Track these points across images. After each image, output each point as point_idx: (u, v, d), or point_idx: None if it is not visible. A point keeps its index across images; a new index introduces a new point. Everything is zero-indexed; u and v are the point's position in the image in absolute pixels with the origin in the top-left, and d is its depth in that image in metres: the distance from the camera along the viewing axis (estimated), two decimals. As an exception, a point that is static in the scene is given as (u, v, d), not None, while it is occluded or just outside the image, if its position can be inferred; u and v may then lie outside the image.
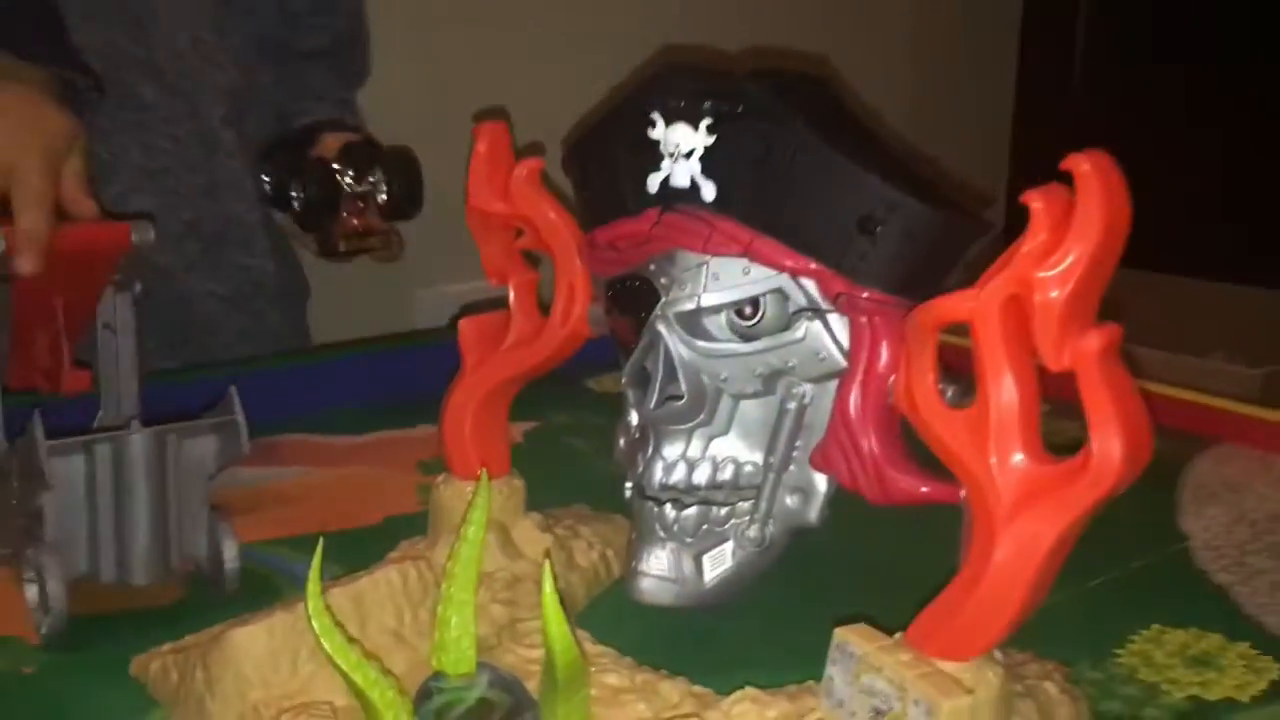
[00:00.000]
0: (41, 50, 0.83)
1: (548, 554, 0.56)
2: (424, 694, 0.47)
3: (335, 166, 0.97)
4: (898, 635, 0.45)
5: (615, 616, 0.57)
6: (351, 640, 0.43)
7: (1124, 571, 0.63)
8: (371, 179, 0.97)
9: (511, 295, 0.61)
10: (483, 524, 0.48)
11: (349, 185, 0.96)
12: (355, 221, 1.00)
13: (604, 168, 0.52)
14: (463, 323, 0.61)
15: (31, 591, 0.59)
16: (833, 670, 0.45)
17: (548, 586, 0.41)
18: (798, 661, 0.48)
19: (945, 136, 1.69)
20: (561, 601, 0.43)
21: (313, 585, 0.43)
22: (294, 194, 0.94)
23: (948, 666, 0.44)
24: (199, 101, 1.02)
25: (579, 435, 0.88)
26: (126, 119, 0.99)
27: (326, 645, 0.43)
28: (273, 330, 1.14)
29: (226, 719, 0.49)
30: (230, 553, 0.62)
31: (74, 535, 0.60)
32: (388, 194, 0.95)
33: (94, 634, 0.59)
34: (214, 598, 0.61)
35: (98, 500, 0.60)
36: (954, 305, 0.43)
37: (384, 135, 1.18)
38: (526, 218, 0.59)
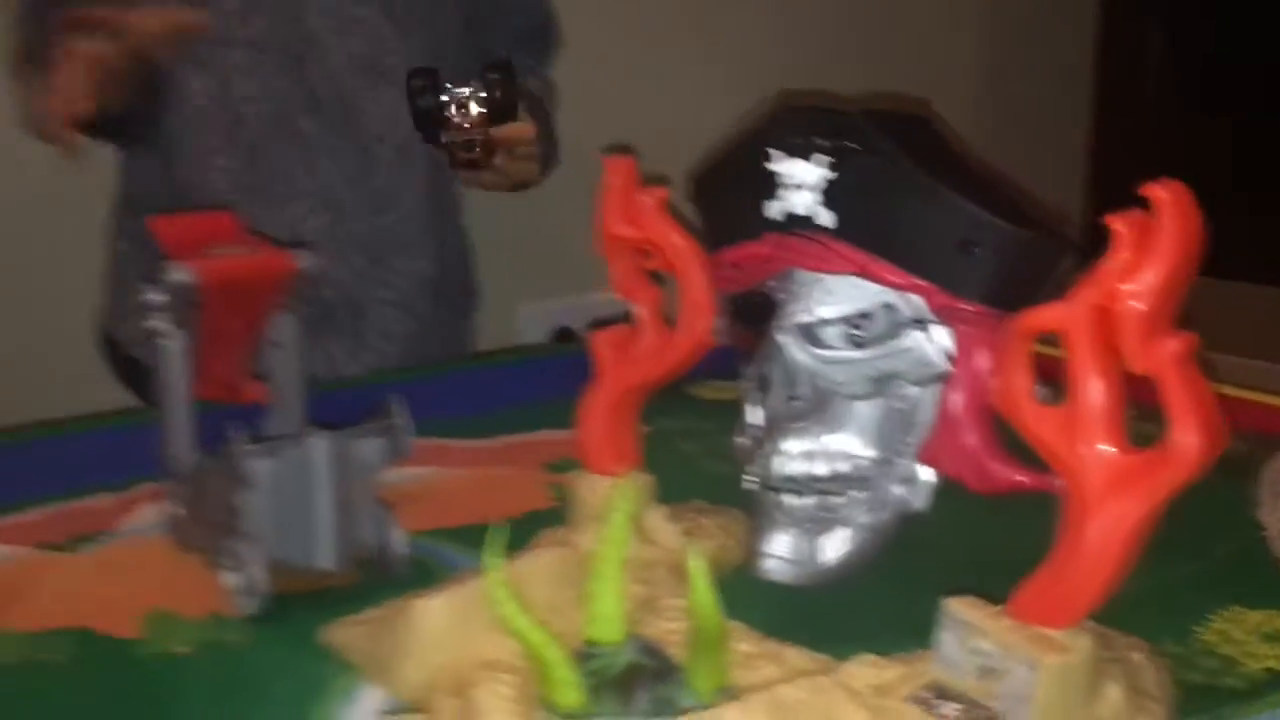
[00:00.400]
0: None
1: (689, 534, 0.63)
2: (581, 658, 0.54)
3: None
4: (1000, 607, 0.51)
5: (741, 596, 0.64)
6: (525, 611, 0.50)
7: (1205, 560, 0.68)
8: (472, 86, 1.03)
9: (640, 310, 0.68)
10: (627, 513, 0.55)
11: (448, 89, 1.01)
12: (461, 124, 1.08)
13: (728, 197, 0.59)
14: (596, 335, 0.68)
15: (232, 578, 0.67)
16: (944, 636, 0.51)
17: (694, 561, 0.48)
18: (908, 634, 0.54)
19: (1022, 158, 1.75)
20: None
21: (493, 563, 0.50)
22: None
23: (1047, 632, 0.50)
24: (357, 123, 1.11)
25: (688, 439, 0.94)
26: (291, 149, 1.07)
27: (506, 612, 0.50)
28: (442, 330, 1.22)
29: (415, 679, 0.56)
30: (398, 540, 0.70)
31: (268, 527, 0.67)
32: (485, 96, 1.00)
33: (286, 610, 0.67)
34: (381, 579, 0.69)
35: (287, 496, 0.67)
36: (1048, 315, 0.49)
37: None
38: (653, 241, 0.66)
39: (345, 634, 0.60)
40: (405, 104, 1.11)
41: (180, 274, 0.71)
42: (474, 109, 1.03)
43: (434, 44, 1.15)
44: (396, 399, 0.69)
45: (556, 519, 0.73)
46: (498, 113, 1.04)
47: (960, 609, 0.50)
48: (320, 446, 0.68)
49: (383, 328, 1.11)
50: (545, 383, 1.01)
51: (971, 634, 0.49)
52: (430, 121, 1.02)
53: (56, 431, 0.95)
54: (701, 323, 0.66)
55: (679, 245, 0.66)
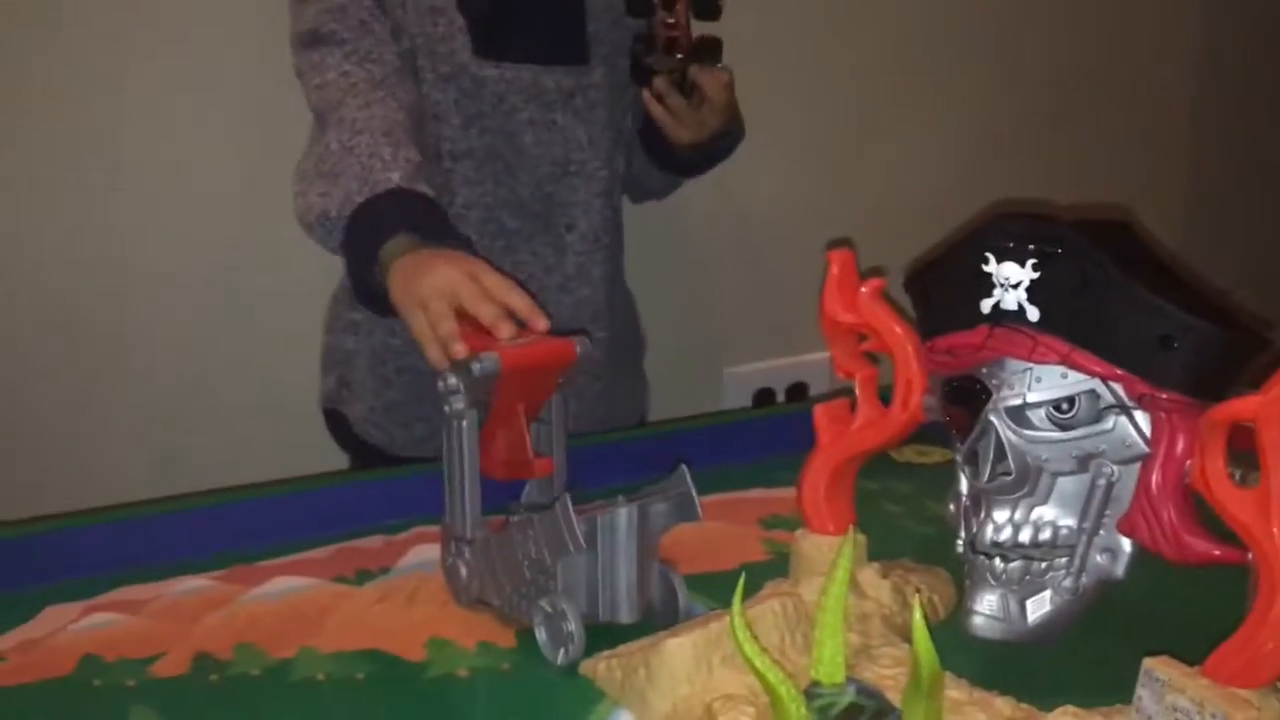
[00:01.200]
0: (444, 235, 1.03)
1: (917, 590, 0.74)
2: (808, 696, 0.62)
3: None
4: (1195, 667, 0.57)
5: (952, 648, 0.69)
6: (765, 650, 0.58)
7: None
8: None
9: (858, 387, 0.76)
10: (848, 568, 0.63)
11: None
12: (668, 23, 1.15)
13: (944, 291, 0.67)
14: (817, 408, 0.77)
15: (542, 632, 0.76)
16: (1142, 692, 0.57)
17: (917, 612, 0.56)
18: (1107, 690, 0.60)
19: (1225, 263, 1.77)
20: (903, 634, 0.58)
21: (736, 606, 0.58)
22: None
23: (1238, 692, 0.56)
24: (551, 216, 1.24)
25: (889, 500, 1.01)
26: (497, 243, 1.21)
27: (747, 650, 0.58)
28: (625, 387, 1.33)
29: (662, 707, 0.65)
30: (683, 595, 0.78)
31: (580, 585, 0.76)
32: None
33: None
34: (622, 622, 0.77)
35: (597, 558, 0.76)
36: (1242, 407, 0.55)
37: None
38: (871, 325, 0.75)
39: (601, 667, 0.69)
40: (592, 193, 1.25)
41: (489, 361, 0.80)
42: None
43: (614, 135, 1.28)
44: (685, 466, 0.78)
45: (773, 570, 0.83)
46: (703, 6, 1.12)
47: (1158, 667, 0.57)
48: (624, 514, 0.75)
49: (576, 389, 1.21)
50: (752, 444, 1.14)
51: (1168, 690, 0.56)
52: (642, 9, 1.10)
53: (333, 483, 1.11)
54: (913, 400, 0.74)
55: (894, 331, 0.74)
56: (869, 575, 0.75)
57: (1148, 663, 0.56)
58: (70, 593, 0.85)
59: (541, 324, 0.85)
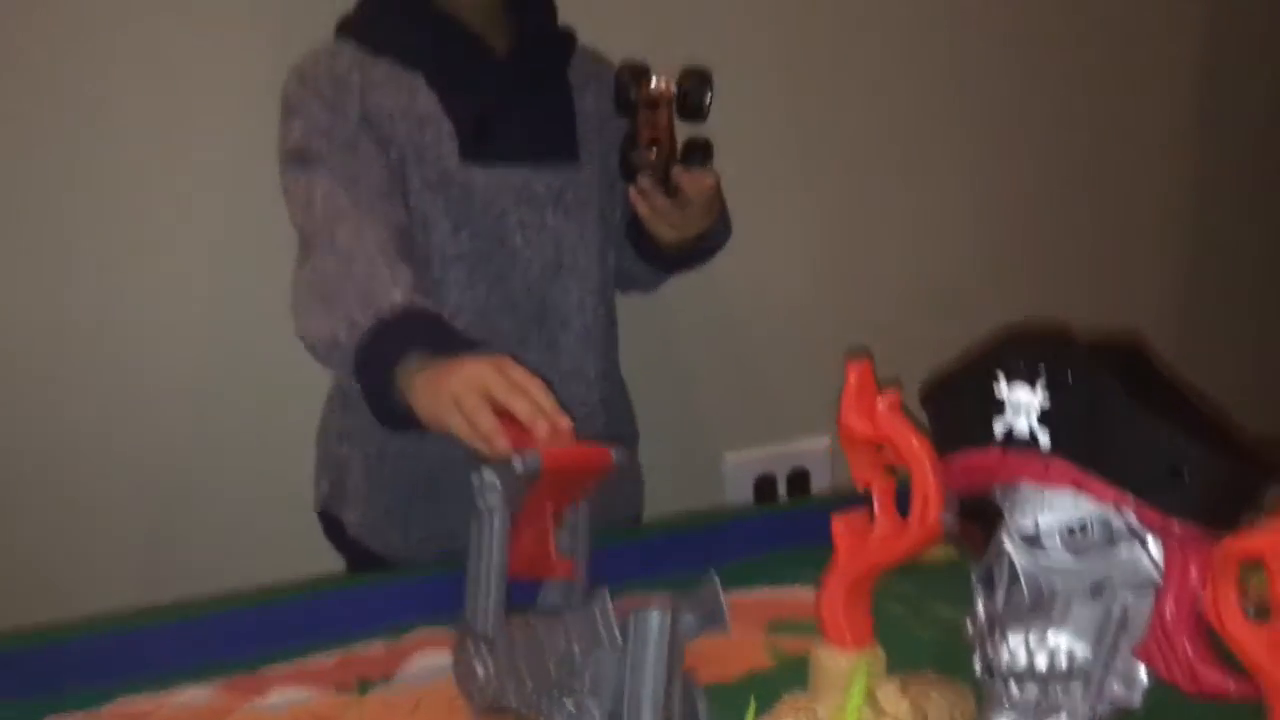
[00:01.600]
0: (457, 346, 1.04)
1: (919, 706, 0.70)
2: None
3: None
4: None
5: None
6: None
7: None
8: (664, 84, 1.05)
9: (875, 499, 0.76)
10: (864, 687, 0.63)
11: (642, 87, 1.03)
12: (647, 130, 1.12)
13: (957, 411, 0.68)
14: (835, 519, 0.77)
15: None
16: None
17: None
18: None
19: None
20: None
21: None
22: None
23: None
24: (544, 316, 1.25)
25: (896, 601, 1.01)
26: (492, 346, 1.20)
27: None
28: (619, 484, 1.28)
29: None
30: (703, 707, 0.77)
31: (607, 686, 0.76)
32: (678, 92, 1.02)
33: None
34: None
35: (626, 659, 0.75)
36: (1253, 542, 0.56)
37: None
38: (889, 438, 0.75)
39: None
40: (585, 291, 1.26)
41: (531, 460, 0.81)
42: (663, 93, 1.07)
43: (605, 231, 1.30)
44: (714, 575, 0.78)
45: (780, 679, 0.83)
46: (686, 108, 1.09)
47: None
48: (658, 616, 0.75)
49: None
50: (755, 541, 1.13)
51: None
52: (627, 108, 1.07)
53: (333, 587, 1.11)
54: (930, 515, 0.74)
55: (911, 444, 0.75)
56: (888, 691, 0.75)
57: None
58: (70, 703, 0.86)
59: (566, 424, 0.87)
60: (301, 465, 1.37)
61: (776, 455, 1.94)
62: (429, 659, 0.93)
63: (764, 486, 1.95)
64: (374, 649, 0.95)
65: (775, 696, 0.72)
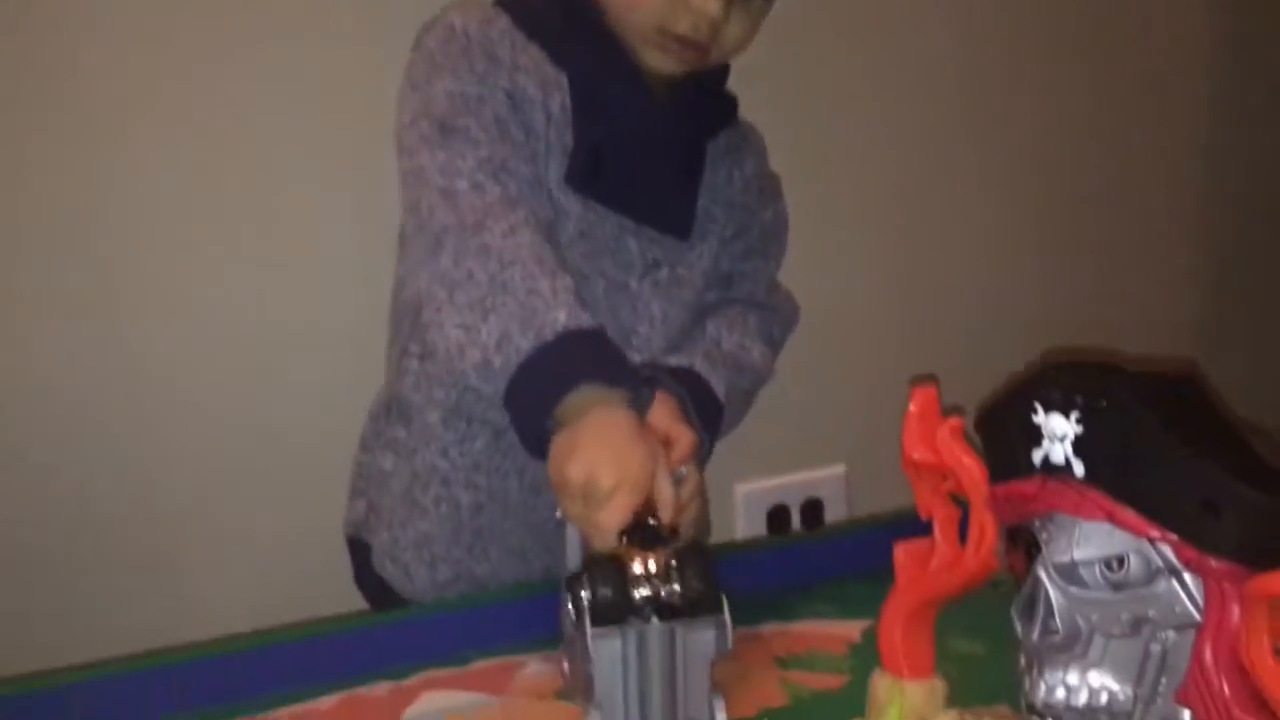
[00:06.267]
0: (624, 376, 1.04)
1: None
2: None
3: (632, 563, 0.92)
4: None
5: None
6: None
7: None
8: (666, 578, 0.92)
9: (936, 528, 0.79)
10: (900, 713, 0.64)
11: (636, 572, 0.89)
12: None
13: (1000, 439, 0.74)
14: (897, 547, 0.81)
15: None
16: None
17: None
18: None
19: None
20: None
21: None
22: (581, 592, 0.88)
23: None
24: None
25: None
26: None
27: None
28: None
29: None
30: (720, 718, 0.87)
31: (613, 697, 0.84)
32: (682, 591, 0.86)
33: None
34: None
35: (628, 672, 0.84)
36: (1277, 581, 0.55)
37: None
38: (948, 467, 0.76)
39: None
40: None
41: None
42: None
43: (689, 320, 1.30)
44: (724, 593, 0.85)
45: (793, 717, 0.90)
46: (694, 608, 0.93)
47: None
48: (655, 633, 0.84)
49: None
50: (766, 574, 1.16)
51: None
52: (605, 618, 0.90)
53: (338, 628, 1.13)
54: (986, 546, 0.76)
55: (970, 474, 0.77)
56: None
57: None
58: None
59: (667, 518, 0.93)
60: (328, 495, 1.44)
61: (789, 485, 2.00)
62: (435, 701, 0.99)
63: (777, 517, 2.01)
64: (378, 690, 1.02)
65: None
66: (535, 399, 1.01)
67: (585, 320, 1.02)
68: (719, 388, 1.24)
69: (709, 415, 1.22)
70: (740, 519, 1.96)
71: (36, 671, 1.07)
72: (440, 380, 1.24)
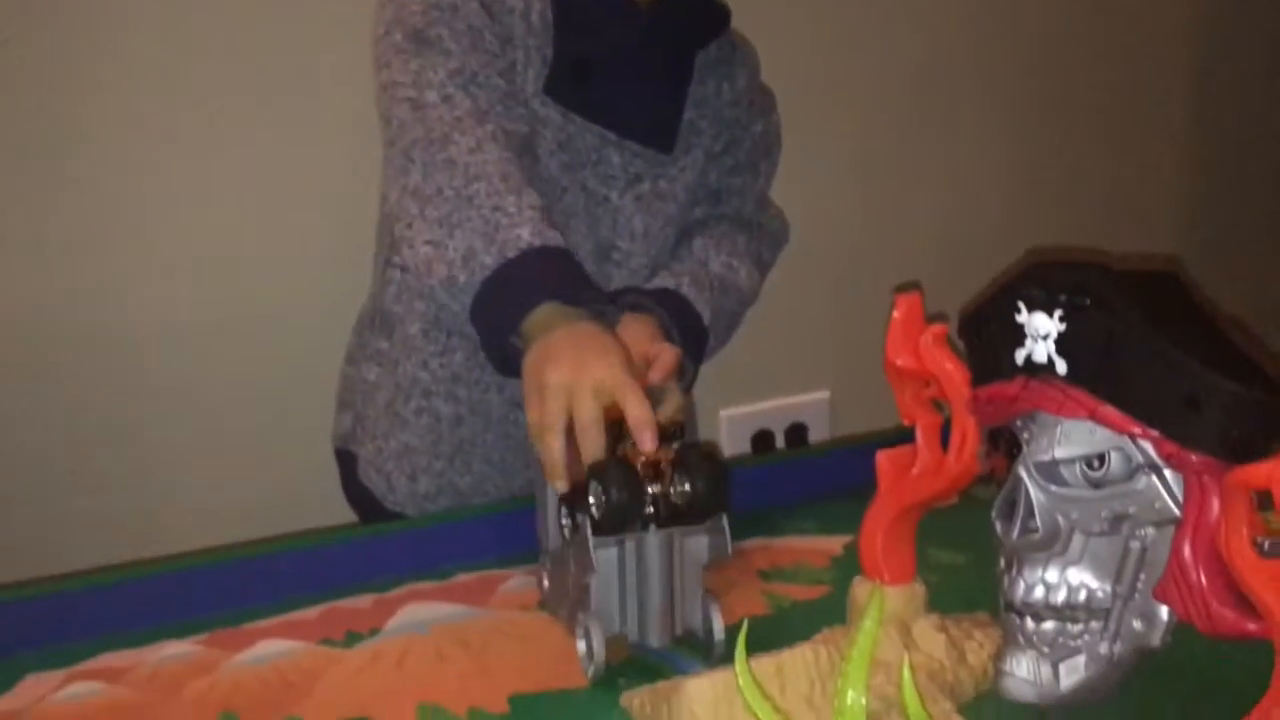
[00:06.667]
0: (588, 293, 1.04)
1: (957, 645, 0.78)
2: None
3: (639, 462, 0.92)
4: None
5: (996, 706, 0.76)
6: (767, 698, 0.61)
7: None
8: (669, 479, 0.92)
9: (918, 434, 0.78)
10: (877, 620, 0.65)
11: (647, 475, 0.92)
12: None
13: (984, 341, 0.73)
14: (880, 454, 0.81)
15: (582, 645, 0.88)
16: None
17: (906, 669, 0.58)
18: None
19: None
20: (952, 691, 0.60)
21: (740, 651, 0.62)
22: (589, 502, 0.88)
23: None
24: None
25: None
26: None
27: (747, 697, 0.62)
28: None
29: None
30: (718, 626, 0.88)
31: (609, 605, 0.87)
32: (691, 492, 0.88)
33: (608, 674, 0.86)
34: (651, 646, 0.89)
35: (625, 580, 0.87)
36: (1257, 472, 0.57)
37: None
38: (932, 373, 0.77)
39: (636, 701, 0.81)
40: (624, 280, 1.24)
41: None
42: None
43: (672, 234, 1.30)
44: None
45: (774, 624, 0.91)
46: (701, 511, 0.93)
47: None
48: (654, 540, 0.87)
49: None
50: (751, 492, 1.16)
51: None
52: (617, 523, 0.88)
53: (321, 541, 1.14)
54: (968, 450, 0.76)
55: (952, 379, 0.77)
56: (924, 628, 0.81)
57: None
58: (52, 660, 0.94)
59: (648, 445, 0.89)
60: (312, 407, 1.46)
61: (774, 410, 2.03)
62: (418, 612, 1.01)
63: (762, 442, 2.05)
64: (361, 602, 1.04)
65: (773, 642, 0.78)
66: (499, 315, 1.01)
67: (551, 237, 1.02)
68: (704, 310, 1.23)
69: (692, 338, 1.22)
70: (725, 444, 1.98)
71: (28, 579, 1.08)
72: (420, 292, 1.25)
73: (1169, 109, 2.29)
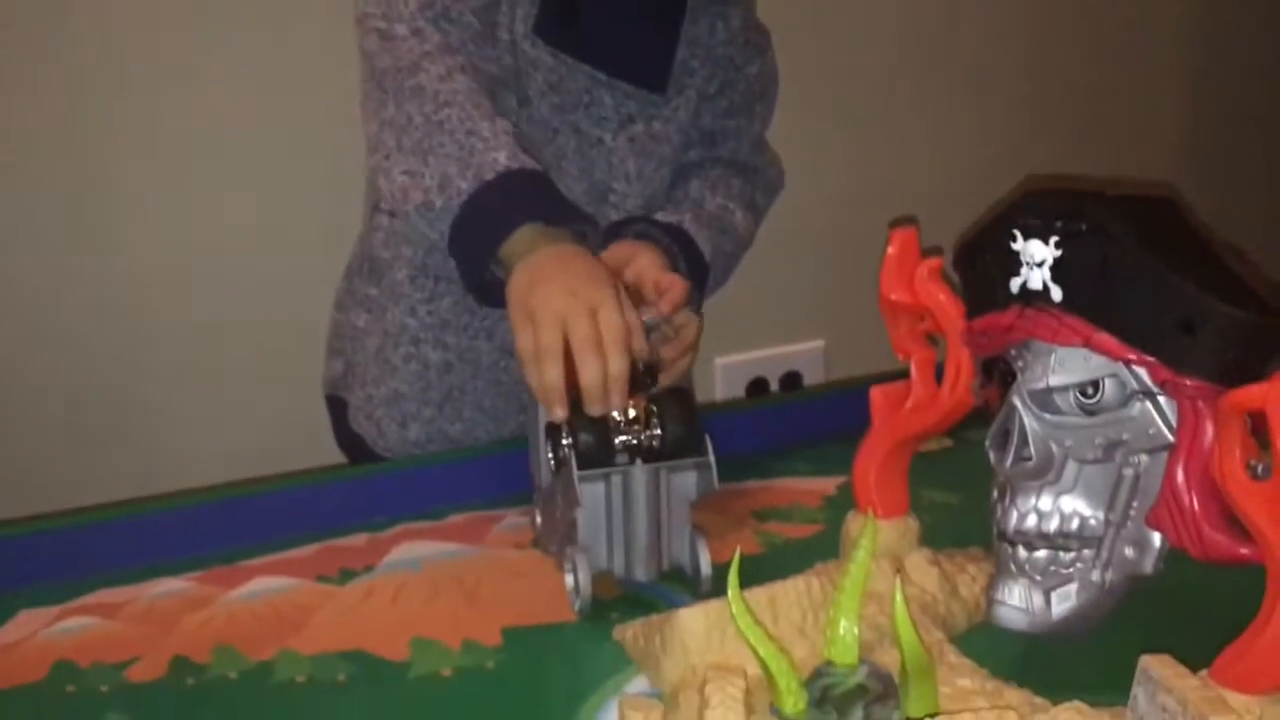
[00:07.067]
0: (567, 214, 1.04)
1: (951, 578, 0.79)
2: (816, 675, 0.70)
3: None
4: (1203, 671, 0.56)
5: (982, 639, 0.77)
6: (759, 625, 0.61)
7: None
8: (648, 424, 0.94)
9: (913, 369, 0.78)
10: (870, 550, 0.66)
11: (616, 419, 0.92)
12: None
13: (979, 271, 0.73)
14: (873, 390, 0.81)
15: (569, 580, 0.88)
16: (1137, 690, 0.60)
17: (898, 597, 0.58)
18: (1128, 688, 0.65)
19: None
20: (944, 624, 0.61)
21: (733, 579, 0.63)
22: (564, 440, 0.91)
23: (1239, 698, 0.55)
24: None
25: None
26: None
27: (739, 623, 0.62)
28: None
29: (674, 674, 0.75)
30: (705, 561, 0.88)
31: (596, 540, 0.88)
32: (663, 435, 0.90)
33: (600, 609, 0.88)
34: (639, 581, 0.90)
35: (612, 515, 0.87)
36: (1251, 394, 0.57)
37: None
38: (926, 307, 0.76)
39: (629, 634, 0.82)
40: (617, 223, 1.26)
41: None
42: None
43: (667, 175, 1.29)
44: (706, 437, 0.88)
45: (767, 563, 0.91)
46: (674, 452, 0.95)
47: (1152, 666, 0.58)
48: (638, 474, 0.87)
49: None
50: (745, 436, 1.18)
51: (1159, 690, 0.57)
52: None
53: (316, 480, 1.16)
54: (962, 383, 0.76)
55: (946, 311, 0.76)
56: (916, 561, 0.82)
57: (1144, 660, 0.60)
58: (45, 596, 0.95)
59: (616, 405, 0.89)
60: (305, 355, 1.46)
61: (768, 359, 2.05)
62: (412, 550, 1.02)
63: (756, 390, 2.07)
64: (357, 540, 1.04)
65: (766, 579, 0.78)
66: (479, 239, 1.01)
67: (526, 161, 1.02)
68: (705, 248, 1.23)
69: (696, 274, 1.21)
70: (719, 392, 2.00)
71: (30, 515, 1.09)
72: (407, 237, 1.25)
73: (1165, 30, 2.26)
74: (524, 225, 0.99)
